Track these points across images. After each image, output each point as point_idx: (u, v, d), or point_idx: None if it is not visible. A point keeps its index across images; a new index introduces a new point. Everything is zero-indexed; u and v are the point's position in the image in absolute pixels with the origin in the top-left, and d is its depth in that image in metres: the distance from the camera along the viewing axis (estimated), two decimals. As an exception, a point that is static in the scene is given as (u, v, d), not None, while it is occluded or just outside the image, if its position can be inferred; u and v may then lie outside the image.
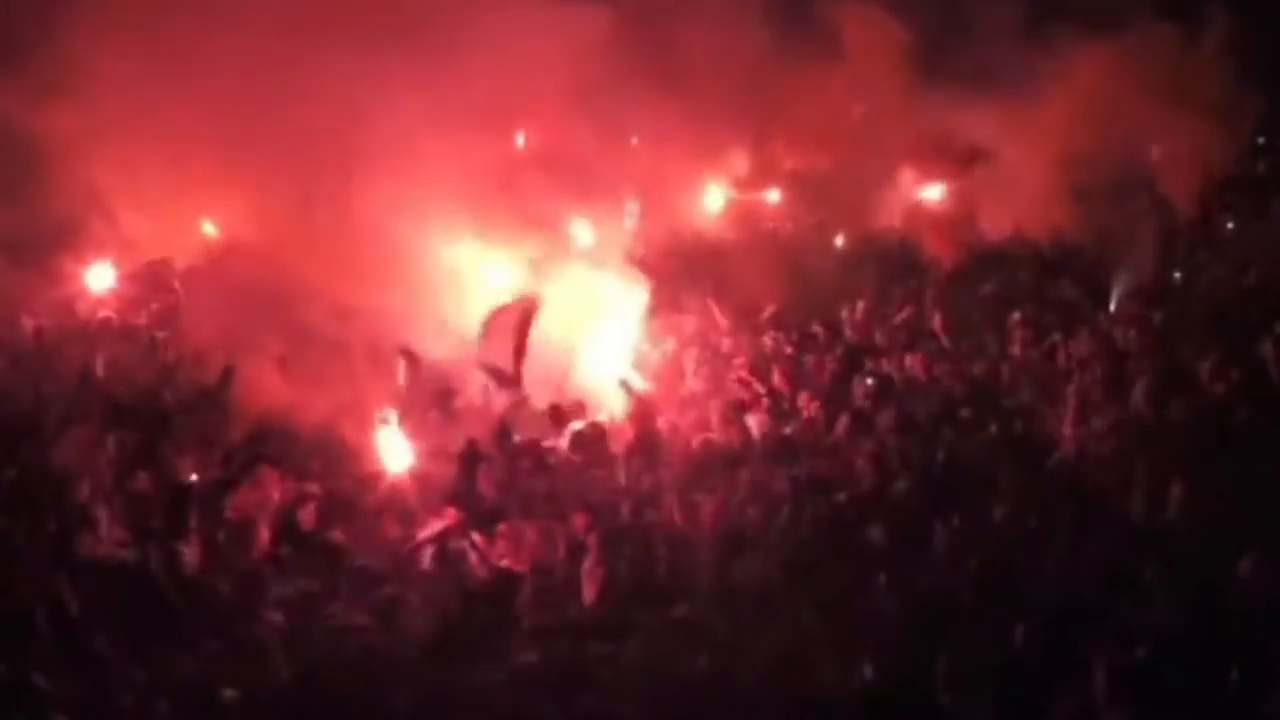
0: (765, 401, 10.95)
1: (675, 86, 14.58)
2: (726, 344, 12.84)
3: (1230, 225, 17.13)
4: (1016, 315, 12.63)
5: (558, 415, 10.53)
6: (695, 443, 10.17)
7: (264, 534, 8.01)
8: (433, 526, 8.44)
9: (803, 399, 11.08)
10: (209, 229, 14.34)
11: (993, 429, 10.05)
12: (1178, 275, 14.83)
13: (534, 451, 9.94)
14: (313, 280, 11.08)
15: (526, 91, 12.87)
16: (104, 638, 6.92)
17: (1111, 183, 15.96)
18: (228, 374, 10.29)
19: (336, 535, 8.19)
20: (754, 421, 10.44)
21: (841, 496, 8.78)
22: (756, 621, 6.81)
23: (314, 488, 8.82)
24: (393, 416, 9.72)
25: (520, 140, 15.13)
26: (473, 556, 7.99)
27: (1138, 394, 9.88)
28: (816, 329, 13.02)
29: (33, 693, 6.13)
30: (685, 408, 11.19)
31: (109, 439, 9.52)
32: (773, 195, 18.41)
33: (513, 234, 12.41)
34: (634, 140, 15.56)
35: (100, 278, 13.79)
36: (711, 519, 8.54)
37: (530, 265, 12.43)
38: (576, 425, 10.38)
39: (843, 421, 10.22)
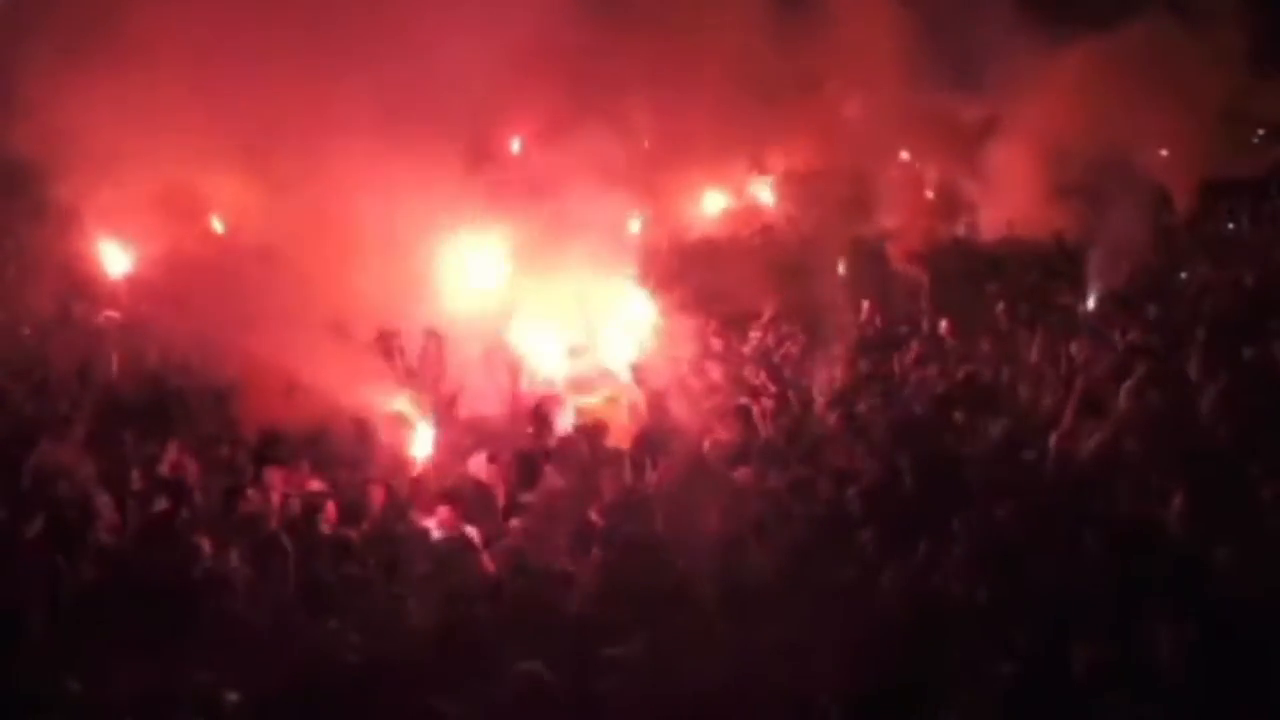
0: (766, 401, 10.97)
1: (674, 84, 14.61)
2: (722, 344, 12.88)
3: (1230, 225, 17.21)
4: (1001, 307, 12.73)
5: (540, 416, 10.55)
6: (698, 442, 10.18)
7: (267, 533, 8.00)
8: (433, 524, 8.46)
9: (798, 398, 11.13)
10: (214, 226, 14.36)
11: (963, 422, 10.07)
12: (1164, 274, 14.90)
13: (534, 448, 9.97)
14: (312, 276, 11.09)
15: (528, 89, 12.89)
16: (104, 637, 6.92)
17: (1103, 179, 16.03)
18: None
19: (342, 534, 8.18)
20: (756, 420, 10.45)
21: (845, 493, 8.78)
22: (756, 622, 6.81)
23: (318, 485, 8.84)
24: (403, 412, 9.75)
25: (515, 145, 15.18)
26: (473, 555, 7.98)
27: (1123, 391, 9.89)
28: (812, 329, 13.07)
29: (32, 692, 6.13)
30: (684, 407, 11.20)
31: (109, 437, 9.54)
32: (770, 194, 18.47)
33: (511, 230, 12.42)
34: (645, 143, 15.61)
35: (100, 274, 13.77)
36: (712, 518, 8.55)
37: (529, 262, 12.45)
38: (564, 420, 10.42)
39: (841, 420, 10.25)
